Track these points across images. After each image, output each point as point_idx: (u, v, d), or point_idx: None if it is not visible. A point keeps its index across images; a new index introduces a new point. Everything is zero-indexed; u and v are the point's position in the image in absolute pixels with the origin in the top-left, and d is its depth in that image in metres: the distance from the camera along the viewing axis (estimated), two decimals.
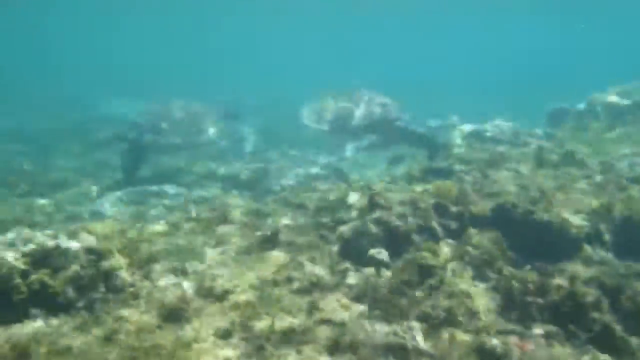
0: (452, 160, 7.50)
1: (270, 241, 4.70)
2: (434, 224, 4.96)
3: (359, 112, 8.75)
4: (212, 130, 10.47)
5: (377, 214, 4.93)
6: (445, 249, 4.78)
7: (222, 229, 5.26)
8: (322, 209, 5.50)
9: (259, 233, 4.83)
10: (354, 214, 5.17)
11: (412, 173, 7.15)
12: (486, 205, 5.42)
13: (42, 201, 8.34)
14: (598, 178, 6.33)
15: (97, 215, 7.58)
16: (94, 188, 9.31)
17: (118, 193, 8.84)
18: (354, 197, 5.48)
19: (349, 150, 8.64)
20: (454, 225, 5.08)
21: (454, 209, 5.19)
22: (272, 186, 8.79)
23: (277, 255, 4.46)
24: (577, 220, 5.02)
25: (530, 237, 4.87)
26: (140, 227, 5.15)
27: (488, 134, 9.46)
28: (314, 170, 9.94)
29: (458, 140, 9.52)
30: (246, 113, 12.79)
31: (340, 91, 9.64)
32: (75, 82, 25.36)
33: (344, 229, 4.79)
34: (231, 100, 19.63)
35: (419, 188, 5.69)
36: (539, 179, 6.21)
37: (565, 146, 7.78)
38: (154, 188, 8.78)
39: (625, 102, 10.97)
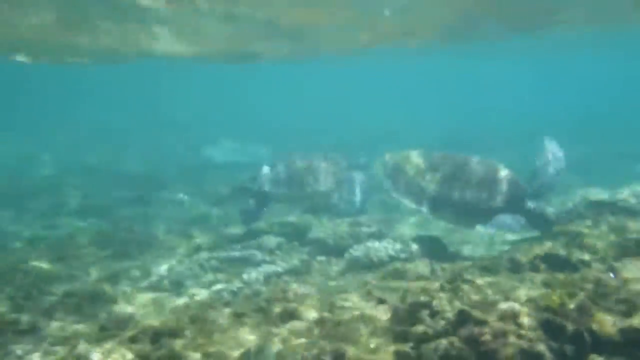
0: (569, 243, 6.38)
1: None
2: (542, 348, 4.01)
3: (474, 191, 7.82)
4: (326, 184, 10.35)
5: (467, 330, 4.14)
6: None
7: (286, 329, 4.78)
8: (403, 313, 4.79)
9: (328, 348, 4.25)
10: (440, 324, 4.39)
11: (518, 259, 6.15)
12: (614, 321, 4.35)
13: (130, 264, 8.57)
14: None
15: (176, 287, 7.53)
16: (181, 250, 9.45)
17: (204, 255, 8.84)
18: (441, 301, 4.69)
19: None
20: (569, 349, 4.09)
21: (570, 327, 4.20)
22: (361, 258, 8.17)
23: None
24: None
25: None
26: (200, 323, 4.83)
27: (625, 204, 8.00)
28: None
29: (580, 210, 8.21)
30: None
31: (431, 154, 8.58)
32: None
33: (427, 348, 4.04)
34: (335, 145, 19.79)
35: (522, 293, 4.75)
36: None
37: None
38: (237, 254, 8.63)
39: None
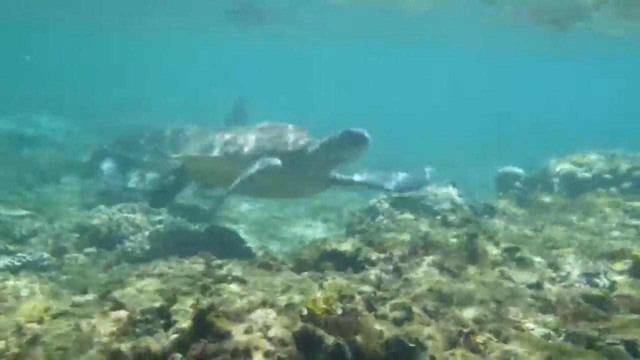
0: (362, 239, 5.98)
1: None
2: None
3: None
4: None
5: (199, 347, 3.25)
6: None
7: None
8: (133, 321, 3.74)
9: None
10: (172, 339, 3.44)
11: (303, 257, 5.52)
12: (381, 331, 3.84)
13: None
14: (549, 291, 4.89)
15: None
16: None
17: None
18: (181, 304, 3.76)
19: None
20: None
21: (330, 341, 3.56)
22: (128, 248, 6.91)
23: None
24: None
25: None
26: None
27: (423, 202, 8.01)
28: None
29: (384, 206, 8.05)
30: None
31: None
32: None
33: None
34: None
35: (286, 296, 4.05)
36: (464, 290, 4.70)
37: (507, 232, 6.41)
38: None
39: (585, 174, 9.91)
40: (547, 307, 4.67)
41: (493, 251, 5.83)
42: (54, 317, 4.00)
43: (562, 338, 4.12)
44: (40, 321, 3.92)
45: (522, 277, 5.23)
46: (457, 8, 17.55)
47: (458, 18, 19.16)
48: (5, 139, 17.00)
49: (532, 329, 4.29)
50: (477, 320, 4.24)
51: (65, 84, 29.87)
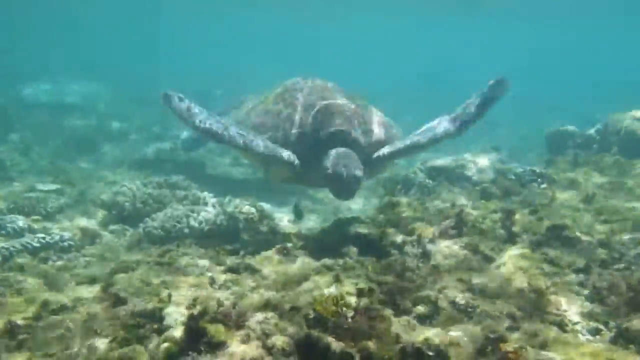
0: (388, 219, 5.51)
1: None
2: None
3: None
4: None
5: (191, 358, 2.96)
6: None
7: None
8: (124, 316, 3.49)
9: None
10: (163, 348, 3.16)
11: (326, 241, 5.12)
12: (400, 338, 3.43)
13: None
14: (599, 277, 4.31)
15: None
16: None
17: None
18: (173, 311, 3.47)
19: None
20: None
21: (337, 349, 3.19)
22: (150, 228, 6.72)
23: None
24: None
25: None
26: None
27: (462, 171, 7.38)
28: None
29: (419, 177, 7.49)
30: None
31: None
32: None
33: None
34: (201, 91, 17.74)
35: (291, 295, 3.68)
36: (499, 279, 4.20)
37: (554, 205, 5.76)
38: None
39: None
40: (596, 295, 4.11)
41: (535, 229, 5.24)
42: (53, 312, 3.83)
43: (612, 334, 3.61)
44: (36, 318, 3.75)
45: (568, 259, 4.66)
46: None
47: None
48: (46, 107, 17.26)
49: (577, 323, 3.81)
50: (511, 316, 3.76)
51: (99, 50, 30.25)
